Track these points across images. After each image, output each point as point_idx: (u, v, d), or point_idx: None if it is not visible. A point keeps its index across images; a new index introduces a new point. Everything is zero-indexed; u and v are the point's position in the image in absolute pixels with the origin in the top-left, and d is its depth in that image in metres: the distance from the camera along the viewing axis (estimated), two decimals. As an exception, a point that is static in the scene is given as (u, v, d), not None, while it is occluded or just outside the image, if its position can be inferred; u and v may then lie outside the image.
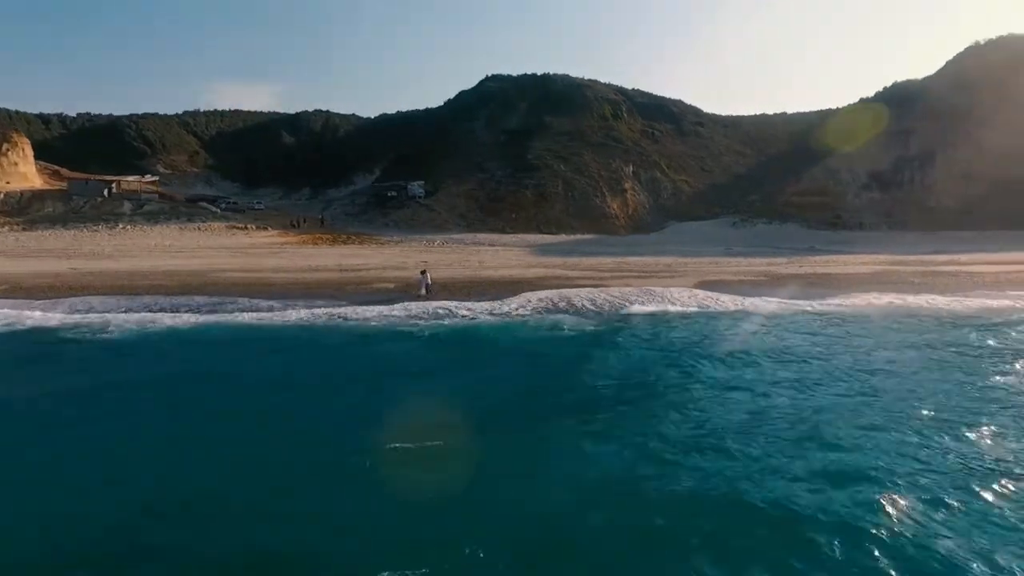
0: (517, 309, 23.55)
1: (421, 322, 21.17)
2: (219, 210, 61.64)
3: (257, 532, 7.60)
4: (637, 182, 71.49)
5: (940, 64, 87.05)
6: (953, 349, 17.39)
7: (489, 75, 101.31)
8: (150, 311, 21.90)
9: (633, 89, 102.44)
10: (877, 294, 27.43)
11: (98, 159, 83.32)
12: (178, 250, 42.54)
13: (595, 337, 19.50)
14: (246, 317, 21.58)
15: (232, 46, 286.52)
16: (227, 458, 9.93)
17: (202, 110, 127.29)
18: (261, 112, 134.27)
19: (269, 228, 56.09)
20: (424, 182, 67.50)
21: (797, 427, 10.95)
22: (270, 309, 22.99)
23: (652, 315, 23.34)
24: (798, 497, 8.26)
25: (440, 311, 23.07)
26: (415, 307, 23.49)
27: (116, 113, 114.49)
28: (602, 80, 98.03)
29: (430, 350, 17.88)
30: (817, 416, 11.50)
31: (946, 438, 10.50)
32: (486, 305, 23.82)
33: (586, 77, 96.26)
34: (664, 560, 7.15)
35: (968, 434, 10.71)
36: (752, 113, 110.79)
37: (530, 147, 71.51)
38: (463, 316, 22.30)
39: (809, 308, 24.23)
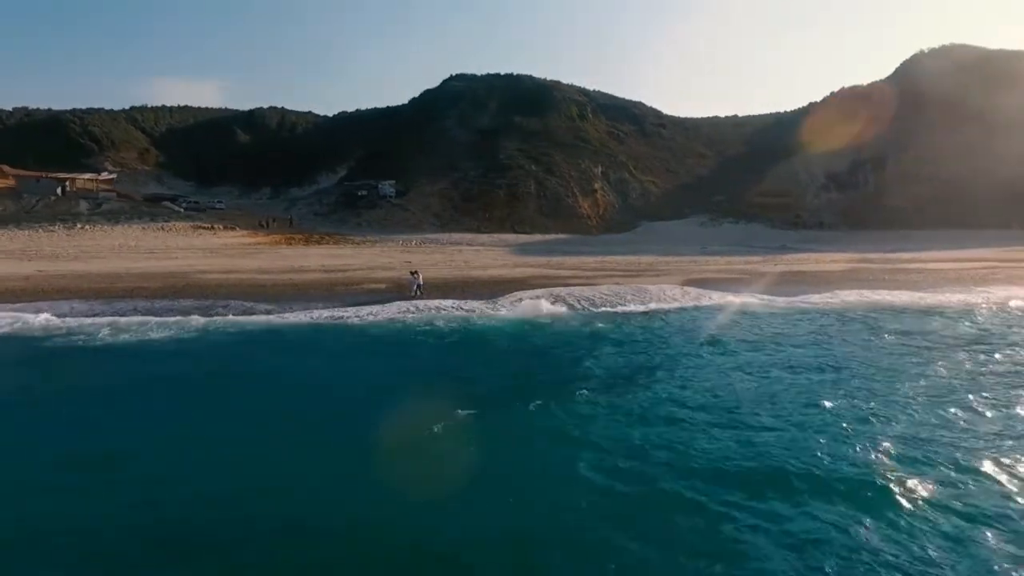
0: (521, 308, 23.57)
1: (437, 323, 20.95)
2: (182, 210, 59.30)
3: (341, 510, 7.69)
4: (606, 182, 72.44)
5: (887, 71, 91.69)
6: (943, 340, 18.42)
7: (454, 74, 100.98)
8: (140, 314, 20.99)
9: (595, 91, 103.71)
10: (859, 291, 28.60)
11: (38, 156, 78.70)
12: (148, 251, 40.75)
13: (606, 334, 19.66)
14: (252, 319, 20.95)
15: (175, 41, 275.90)
16: (292, 457, 9.74)
17: (150, 105, 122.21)
18: (212, 108, 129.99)
19: (237, 228, 54.31)
20: (395, 181, 66.62)
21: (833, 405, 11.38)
22: (267, 312, 22.36)
23: (652, 312, 23.76)
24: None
25: (443, 310, 22.91)
26: (418, 307, 23.26)
27: (56, 108, 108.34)
28: (564, 81, 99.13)
29: (452, 352, 17.68)
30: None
31: (981, 414, 11.24)
32: (487, 305, 23.74)
33: (548, 78, 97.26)
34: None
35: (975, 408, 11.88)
36: (704, 116, 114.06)
37: (501, 147, 71.56)
38: (463, 314, 22.19)
39: (802, 304, 25.11)
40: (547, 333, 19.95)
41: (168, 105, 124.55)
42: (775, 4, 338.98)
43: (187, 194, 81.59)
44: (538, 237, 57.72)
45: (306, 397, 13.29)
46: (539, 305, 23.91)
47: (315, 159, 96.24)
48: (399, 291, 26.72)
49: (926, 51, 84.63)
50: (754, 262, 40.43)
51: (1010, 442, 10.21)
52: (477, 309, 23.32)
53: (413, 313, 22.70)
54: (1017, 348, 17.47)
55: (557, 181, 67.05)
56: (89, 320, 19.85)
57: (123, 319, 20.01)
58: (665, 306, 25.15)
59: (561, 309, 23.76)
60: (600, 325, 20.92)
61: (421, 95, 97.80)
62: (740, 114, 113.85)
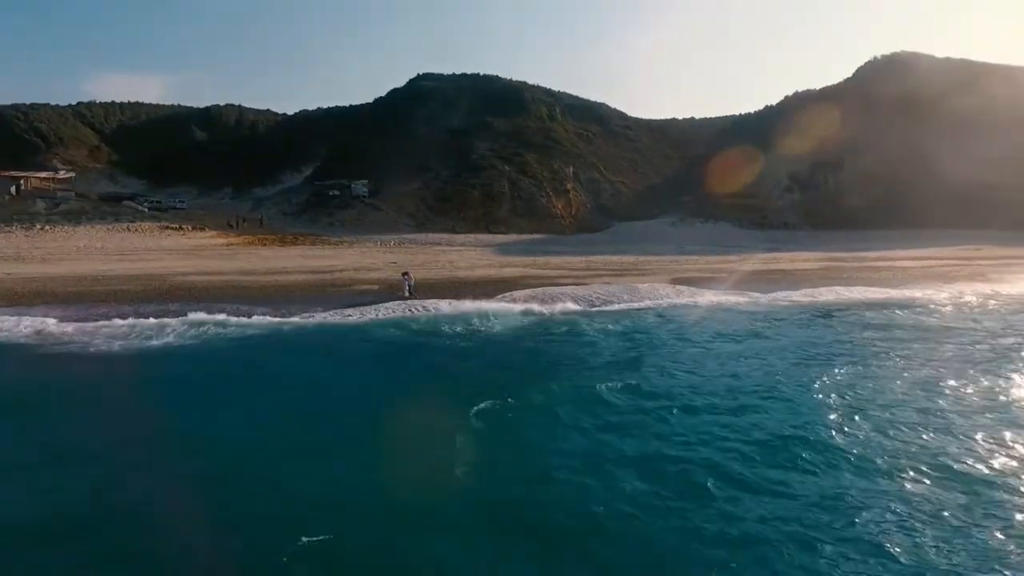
0: (521, 307, 23.64)
1: (442, 325, 20.86)
2: (146, 209, 57.09)
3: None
4: (578, 183, 73.08)
5: (842, 76, 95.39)
6: (924, 332, 19.65)
7: (421, 73, 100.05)
8: (136, 317, 20.21)
9: (561, 91, 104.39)
10: (837, 288, 29.75)
11: (-22, 153, 74.48)
12: (118, 252, 39.14)
13: (617, 332, 19.95)
14: (253, 322, 20.44)
15: (118, 35, 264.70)
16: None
17: (98, 101, 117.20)
18: (164, 105, 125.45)
19: (207, 229, 52.63)
20: (368, 181, 65.66)
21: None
22: (267, 315, 21.80)
23: (648, 309, 24.21)
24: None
25: (442, 311, 22.74)
26: (418, 308, 23.08)
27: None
28: (530, 82, 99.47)
29: (470, 353, 17.55)
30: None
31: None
32: (486, 304, 23.70)
33: (513, 78, 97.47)
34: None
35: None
36: (665, 117, 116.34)
37: (474, 147, 71.36)
38: (465, 315, 22.09)
39: (784, 302, 26.06)
40: (557, 332, 20.10)
41: (117, 101, 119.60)
42: (731, 10, 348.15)
43: (142, 193, 78.62)
44: (514, 237, 57.83)
45: (347, 401, 13.16)
46: (537, 305, 24.12)
47: (278, 158, 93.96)
48: (391, 292, 26.46)
49: (879, 57, 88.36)
50: (731, 261, 41.49)
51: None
52: (477, 309, 23.29)
53: (416, 314, 22.59)
54: (993, 337, 18.74)
55: (530, 181, 67.30)
56: (90, 325, 19.05)
57: (119, 322, 19.27)
58: (662, 303, 25.67)
59: (567, 307, 23.98)
60: (606, 323, 21.20)
61: (388, 94, 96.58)
62: (696, 116, 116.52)
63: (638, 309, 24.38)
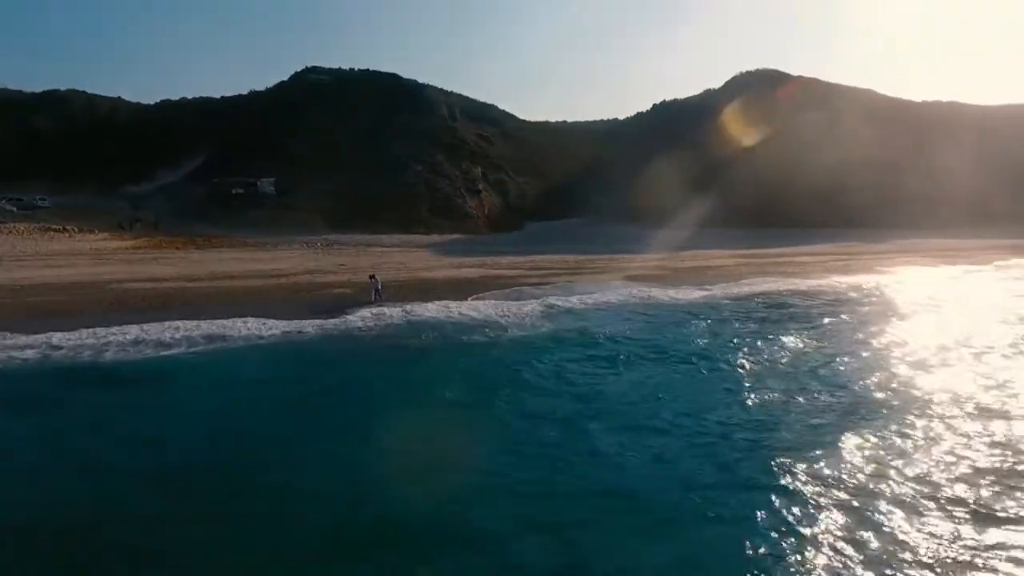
0: (519, 307, 23.93)
1: (446, 327, 20.44)
2: (15, 209, 49.28)
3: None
4: (487, 183, 73.95)
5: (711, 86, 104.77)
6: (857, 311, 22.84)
7: (309, 67, 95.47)
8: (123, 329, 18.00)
9: (454, 92, 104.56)
10: (765, 279, 33.39)
11: None
12: (11, 258, 33.80)
13: (656, 327, 20.96)
14: (249, 332, 18.80)
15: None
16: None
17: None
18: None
19: (96, 231, 46.73)
20: (274, 180, 61.62)
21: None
22: (261, 323, 20.24)
23: (630, 305, 25.52)
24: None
25: (430, 314, 22.28)
26: (413, 310, 22.50)
27: None
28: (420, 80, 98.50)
29: (499, 361, 17.29)
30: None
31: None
32: (483, 305, 23.86)
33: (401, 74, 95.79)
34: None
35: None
36: (554, 120, 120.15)
37: (386, 146, 69.43)
38: (460, 318, 21.89)
39: (735, 292, 28.96)
40: (571, 330, 20.45)
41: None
42: (603, 16, 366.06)
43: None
44: (436, 238, 57.55)
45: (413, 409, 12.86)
46: (556, 299, 24.80)
47: (150, 151, 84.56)
48: (364, 295, 25.48)
49: (746, 72, 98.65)
50: (663, 259, 44.57)
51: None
52: (470, 311, 23.25)
53: (416, 317, 21.87)
54: (899, 316, 22.72)
55: (446, 182, 67.12)
56: (91, 341, 16.74)
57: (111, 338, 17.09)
58: (661, 299, 27.01)
59: (555, 311, 24.25)
60: (619, 321, 22.22)
61: (277, 87, 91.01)
62: (569, 119, 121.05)
63: (646, 303, 25.60)
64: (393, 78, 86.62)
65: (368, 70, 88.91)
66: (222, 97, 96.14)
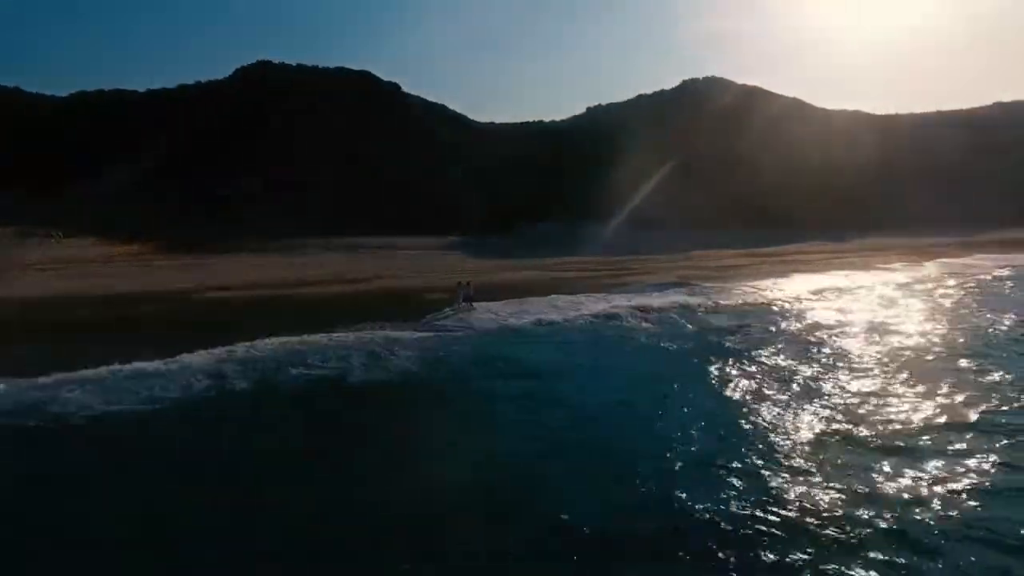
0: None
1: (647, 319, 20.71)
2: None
3: None
4: (469, 184, 73.27)
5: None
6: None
7: (259, 60, 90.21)
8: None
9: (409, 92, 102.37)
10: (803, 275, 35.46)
11: None
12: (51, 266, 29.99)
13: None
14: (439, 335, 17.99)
15: None
16: None
17: None
18: None
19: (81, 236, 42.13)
20: (260, 179, 57.89)
21: None
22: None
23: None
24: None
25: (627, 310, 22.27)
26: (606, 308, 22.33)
27: None
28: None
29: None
30: None
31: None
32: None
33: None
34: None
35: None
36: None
37: (368, 147, 67.03)
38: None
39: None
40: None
41: None
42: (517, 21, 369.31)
43: None
44: (448, 239, 56.74)
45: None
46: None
47: (89, 149, 76.41)
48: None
49: (700, 79, 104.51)
50: (686, 260, 46.19)
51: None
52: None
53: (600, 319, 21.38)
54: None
55: (435, 182, 65.88)
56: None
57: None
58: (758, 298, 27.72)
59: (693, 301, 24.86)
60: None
61: (233, 75, 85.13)
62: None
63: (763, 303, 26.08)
64: (363, 75, 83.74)
65: (341, 68, 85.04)
66: (178, 87, 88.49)
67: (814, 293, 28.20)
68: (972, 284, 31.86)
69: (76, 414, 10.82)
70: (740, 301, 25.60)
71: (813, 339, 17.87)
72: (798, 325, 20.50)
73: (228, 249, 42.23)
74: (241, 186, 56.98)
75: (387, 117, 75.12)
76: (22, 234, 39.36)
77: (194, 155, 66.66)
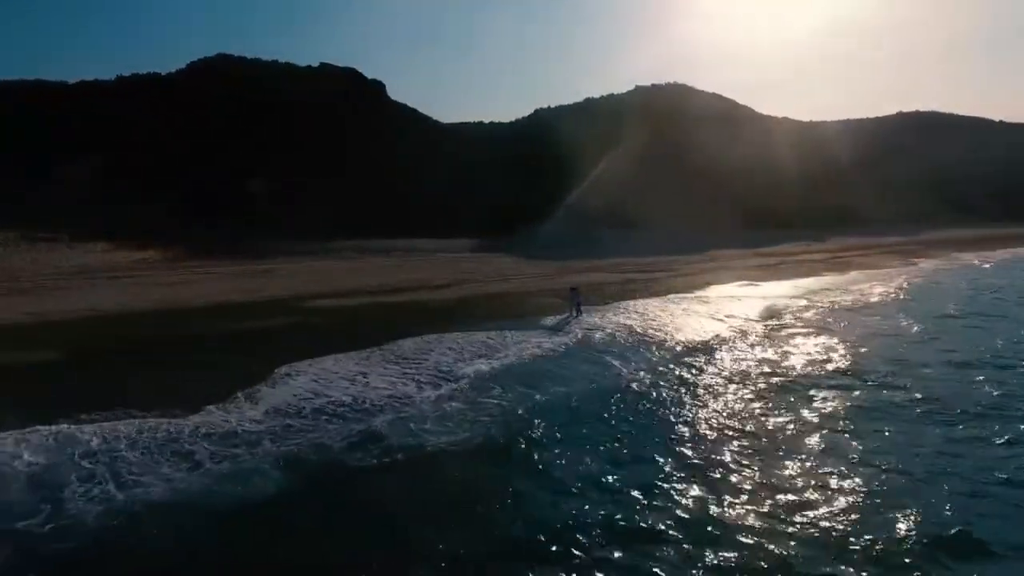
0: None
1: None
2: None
3: None
4: (463, 187, 71.62)
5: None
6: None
7: (220, 53, 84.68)
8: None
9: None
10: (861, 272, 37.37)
11: None
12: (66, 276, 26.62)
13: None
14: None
15: None
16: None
17: None
18: None
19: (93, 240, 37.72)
20: (263, 180, 53.95)
21: None
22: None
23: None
24: None
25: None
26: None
27: None
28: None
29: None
30: None
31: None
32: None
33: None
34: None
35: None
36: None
37: (367, 148, 64.08)
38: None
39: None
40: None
41: None
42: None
43: None
44: (466, 242, 55.42)
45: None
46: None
47: (33, 144, 68.13)
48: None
49: (663, 84, 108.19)
50: (701, 260, 47.07)
51: None
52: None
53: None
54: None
55: (439, 185, 64.05)
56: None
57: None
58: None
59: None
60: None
61: (191, 74, 79.07)
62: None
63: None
64: (349, 72, 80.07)
65: (328, 64, 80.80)
66: (133, 76, 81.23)
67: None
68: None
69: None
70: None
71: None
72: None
73: (262, 253, 39.27)
74: (243, 187, 53.02)
75: (373, 118, 72.26)
76: (27, 238, 34.60)
77: (161, 153, 61.14)
